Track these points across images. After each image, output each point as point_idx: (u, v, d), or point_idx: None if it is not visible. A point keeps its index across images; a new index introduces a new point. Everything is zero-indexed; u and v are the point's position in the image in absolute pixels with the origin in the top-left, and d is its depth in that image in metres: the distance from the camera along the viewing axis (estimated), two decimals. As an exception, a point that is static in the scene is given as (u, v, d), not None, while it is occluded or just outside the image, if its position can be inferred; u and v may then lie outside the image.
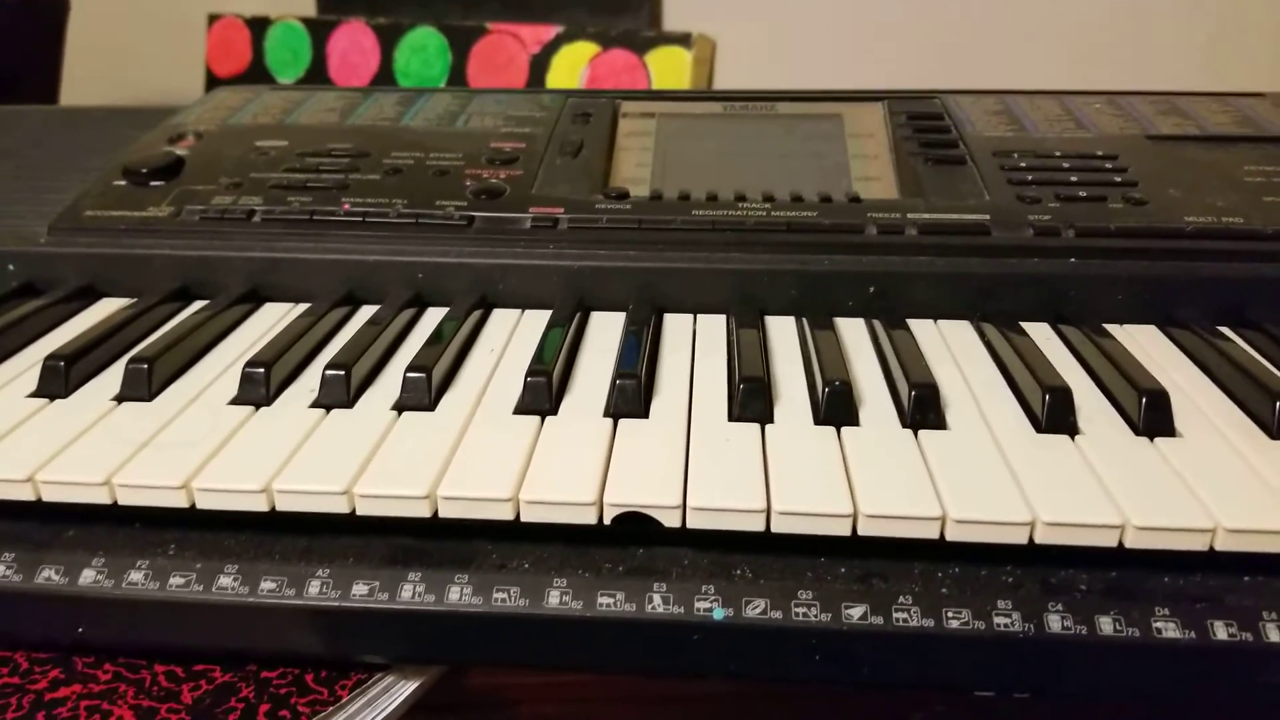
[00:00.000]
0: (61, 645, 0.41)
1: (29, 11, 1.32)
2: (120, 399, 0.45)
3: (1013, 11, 1.21)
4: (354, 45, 1.57)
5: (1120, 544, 0.36)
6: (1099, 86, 0.72)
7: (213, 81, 1.66)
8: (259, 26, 1.61)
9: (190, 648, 0.40)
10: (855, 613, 0.36)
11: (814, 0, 1.36)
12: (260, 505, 0.38)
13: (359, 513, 0.38)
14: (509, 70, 1.46)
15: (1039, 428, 0.42)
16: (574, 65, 1.43)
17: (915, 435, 0.41)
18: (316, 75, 1.59)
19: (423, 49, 1.51)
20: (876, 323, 0.51)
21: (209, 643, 0.39)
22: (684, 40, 1.39)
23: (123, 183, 0.61)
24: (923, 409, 0.42)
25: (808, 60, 1.36)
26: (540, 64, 1.45)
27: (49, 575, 0.38)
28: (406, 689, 0.40)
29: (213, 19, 1.65)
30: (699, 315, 0.54)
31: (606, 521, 0.38)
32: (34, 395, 0.46)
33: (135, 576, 0.38)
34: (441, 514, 0.38)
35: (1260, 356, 0.48)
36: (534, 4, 1.48)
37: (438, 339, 0.48)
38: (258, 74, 1.63)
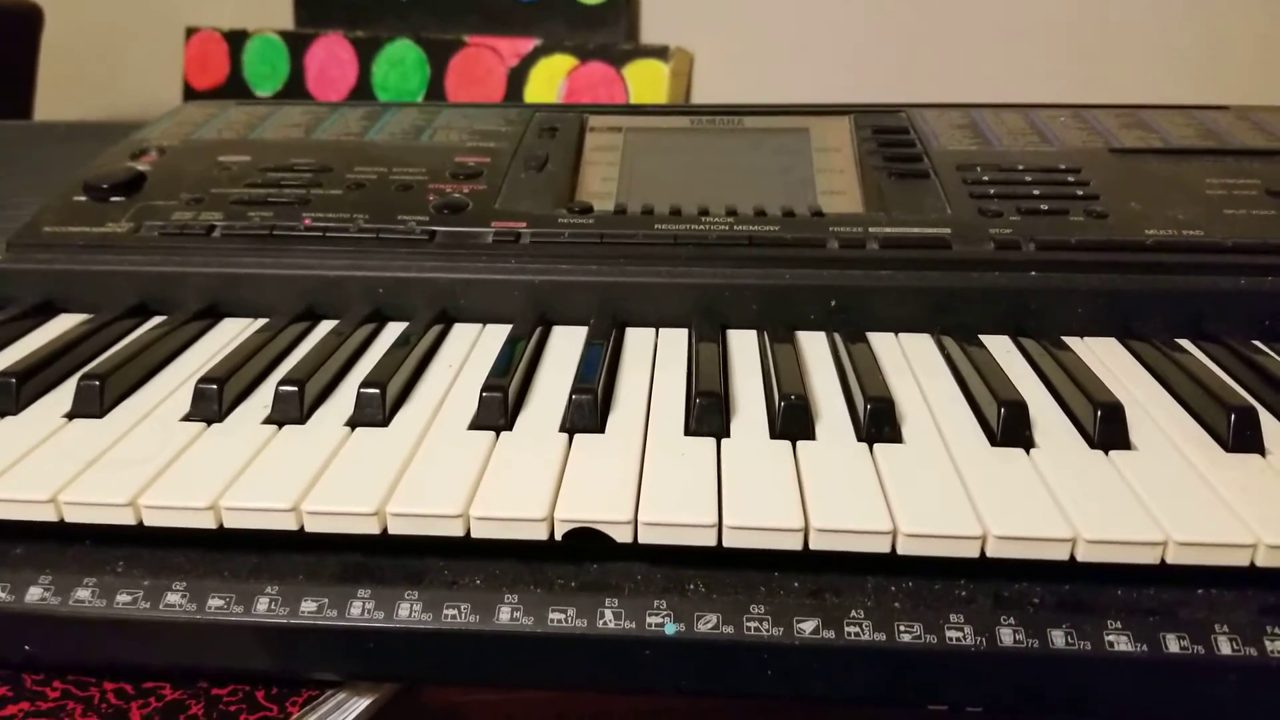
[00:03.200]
0: (9, 663, 0.41)
1: (1, 23, 1.31)
2: (71, 416, 0.45)
3: (986, 29, 1.21)
4: (332, 58, 1.57)
5: (1072, 557, 0.36)
6: (1070, 101, 0.72)
7: (190, 94, 1.65)
8: (237, 40, 1.61)
9: (139, 665, 0.40)
10: (807, 627, 0.36)
11: (791, 14, 1.37)
12: (208, 522, 0.38)
13: (307, 530, 0.38)
14: (487, 83, 1.46)
15: (994, 441, 0.42)
16: (552, 78, 1.43)
17: (870, 449, 0.41)
18: (295, 88, 1.59)
19: (400, 62, 1.51)
20: (837, 336, 0.51)
21: (158, 660, 0.39)
22: (661, 53, 1.39)
23: (83, 198, 0.61)
24: (878, 423, 0.42)
25: (784, 73, 1.36)
26: (518, 77, 1.46)
27: (-5, 593, 0.38)
28: (359, 706, 0.40)
29: (190, 32, 1.65)
30: (661, 329, 0.54)
31: (558, 538, 0.37)
32: (-15, 412, 0.45)
33: (82, 594, 0.38)
34: (391, 530, 0.37)
35: (1218, 369, 0.48)
36: (512, 17, 1.48)
37: (395, 354, 0.48)
38: (236, 87, 1.63)
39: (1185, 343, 0.51)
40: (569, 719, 0.47)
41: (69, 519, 0.39)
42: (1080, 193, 0.58)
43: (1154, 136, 0.66)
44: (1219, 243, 0.53)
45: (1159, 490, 0.38)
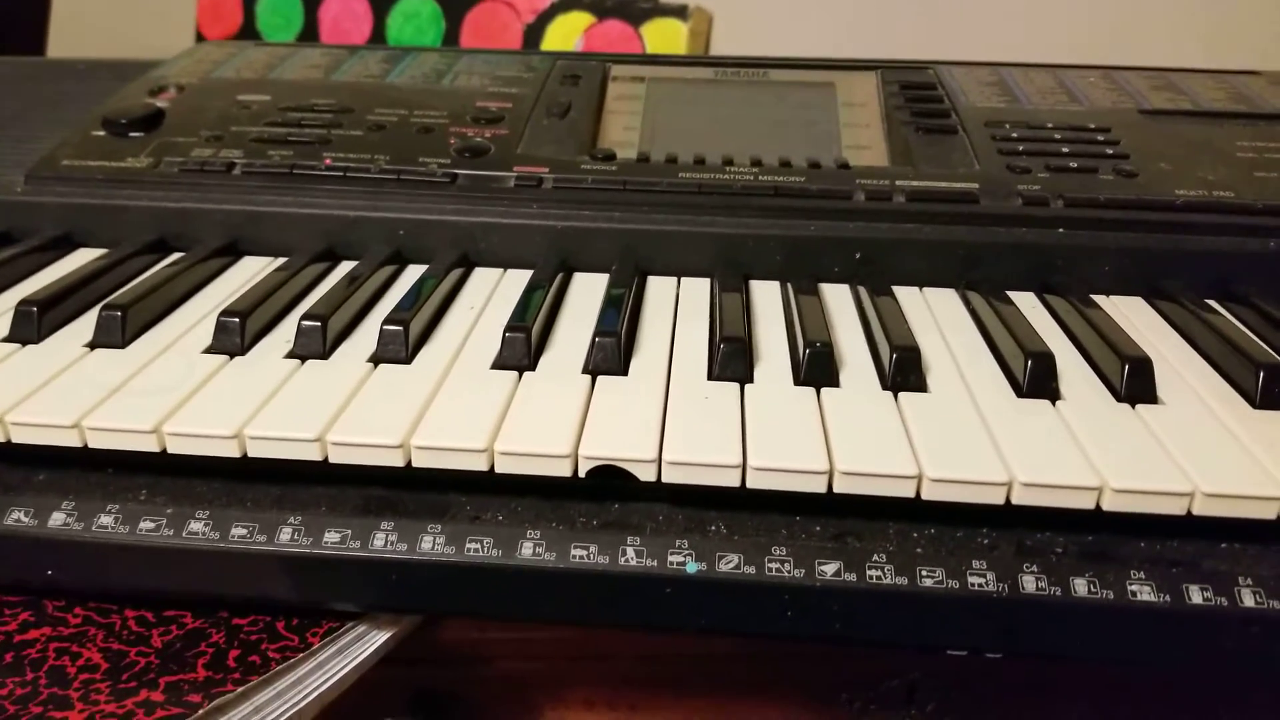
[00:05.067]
0: (31, 587, 0.41)
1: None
2: (93, 346, 0.45)
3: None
4: (346, 11, 1.55)
5: (1097, 506, 0.36)
6: (1097, 63, 0.71)
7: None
8: (250, -10, 1.59)
9: (161, 592, 0.40)
10: (829, 569, 0.36)
11: (812, -25, 1.34)
12: (232, 451, 0.38)
13: (331, 461, 0.38)
14: (503, 38, 1.44)
15: (1020, 392, 0.42)
16: (569, 35, 1.42)
17: (895, 397, 0.41)
18: (308, 40, 1.57)
19: (416, 16, 1.50)
20: (861, 289, 0.51)
21: (179, 588, 0.39)
22: (680, 12, 1.37)
23: (102, 133, 0.60)
24: (903, 371, 0.42)
25: (805, 33, 1.34)
26: (534, 33, 1.44)
27: (18, 517, 0.38)
28: (378, 639, 0.40)
29: (204, -19, 1.62)
30: (683, 278, 0.54)
31: (581, 474, 0.37)
32: (6, 340, 0.45)
33: (105, 520, 0.38)
34: (415, 464, 0.37)
35: (1246, 329, 0.47)
36: (529, -27, 1.46)
37: (417, 294, 0.48)
38: (249, 38, 1.61)
39: (1213, 303, 0.50)
40: (564, 659, 0.47)
41: (93, 444, 0.38)
42: (1110, 152, 0.57)
43: (1184, 99, 0.65)
44: (1249, 204, 0.53)
45: (1186, 443, 0.38)
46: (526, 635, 0.46)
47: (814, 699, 0.49)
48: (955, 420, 0.39)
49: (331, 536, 0.37)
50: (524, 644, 0.46)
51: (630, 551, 0.36)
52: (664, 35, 1.39)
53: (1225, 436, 0.39)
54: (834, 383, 0.42)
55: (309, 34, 1.59)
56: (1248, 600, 0.35)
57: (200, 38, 1.67)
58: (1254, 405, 0.41)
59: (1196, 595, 0.35)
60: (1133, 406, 0.41)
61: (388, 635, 0.40)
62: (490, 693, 0.48)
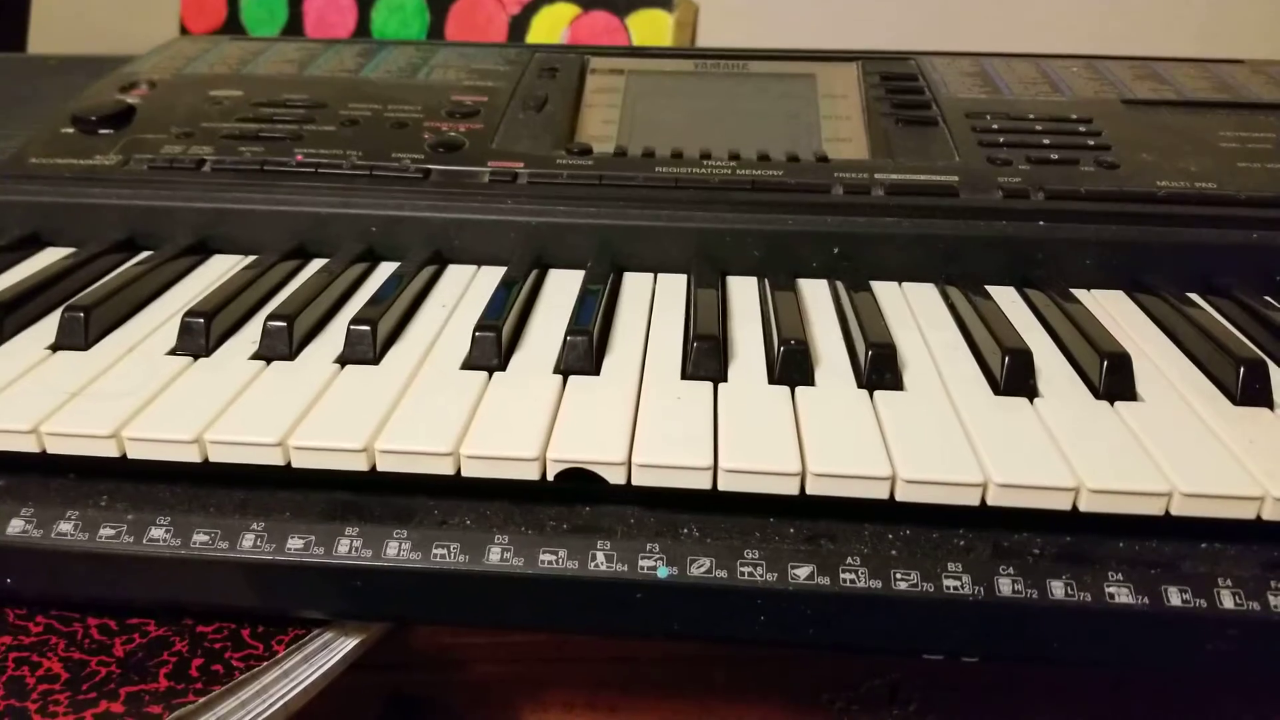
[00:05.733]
0: (-11, 596, 0.40)
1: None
2: (56, 348, 0.44)
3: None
4: (331, 4, 1.54)
5: (1074, 507, 0.35)
6: (1083, 53, 0.70)
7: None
8: (233, -18, 1.57)
9: (123, 601, 0.39)
10: (802, 573, 0.35)
11: (799, -34, 1.33)
12: (193, 456, 0.37)
13: (294, 465, 0.37)
14: (488, 31, 1.43)
15: (997, 390, 0.41)
16: (554, 27, 1.41)
17: (871, 396, 0.40)
18: (293, 34, 1.56)
19: (400, 9, 1.48)
20: (840, 284, 0.50)
21: (142, 596, 0.38)
22: (666, 3, 1.36)
23: (71, 131, 0.59)
24: (879, 369, 0.41)
25: (792, 25, 1.34)
26: (520, 25, 1.43)
27: (-25, 525, 0.37)
28: (346, 645, 0.39)
29: (186, -26, 1.61)
30: (659, 274, 0.53)
31: (550, 478, 0.36)
32: (-34, 343, 0.44)
33: (65, 527, 0.37)
34: (380, 468, 0.37)
35: (1227, 323, 0.47)
36: (514, -36, 1.44)
37: (387, 292, 0.47)
38: (233, 31, 1.59)
39: (1194, 297, 0.50)
40: (538, 662, 0.46)
41: (51, 450, 0.38)
42: (1091, 143, 0.57)
43: (1167, 89, 0.64)
44: (1232, 195, 0.52)
45: (1165, 441, 0.37)
46: (502, 639, 0.45)
47: (795, 699, 0.49)
48: (931, 419, 0.39)
49: (295, 543, 0.36)
50: (500, 647, 0.46)
51: (600, 556, 0.36)
52: (650, 26, 1.38)
53: (1205, 435, 0.38)
54: (809, 381, 0.42)
55: (294, 28, 1.57)
56: (1227, 602, 0.34)
57: (184, 31, 1.65)
58: (1234, 402, 0.41)
59: (1175, 597, 0.34)
60: (1111, 404, 0.40)
61: (356, 642, 0.39)
62: (467, 697, 0.48)
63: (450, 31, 1.48)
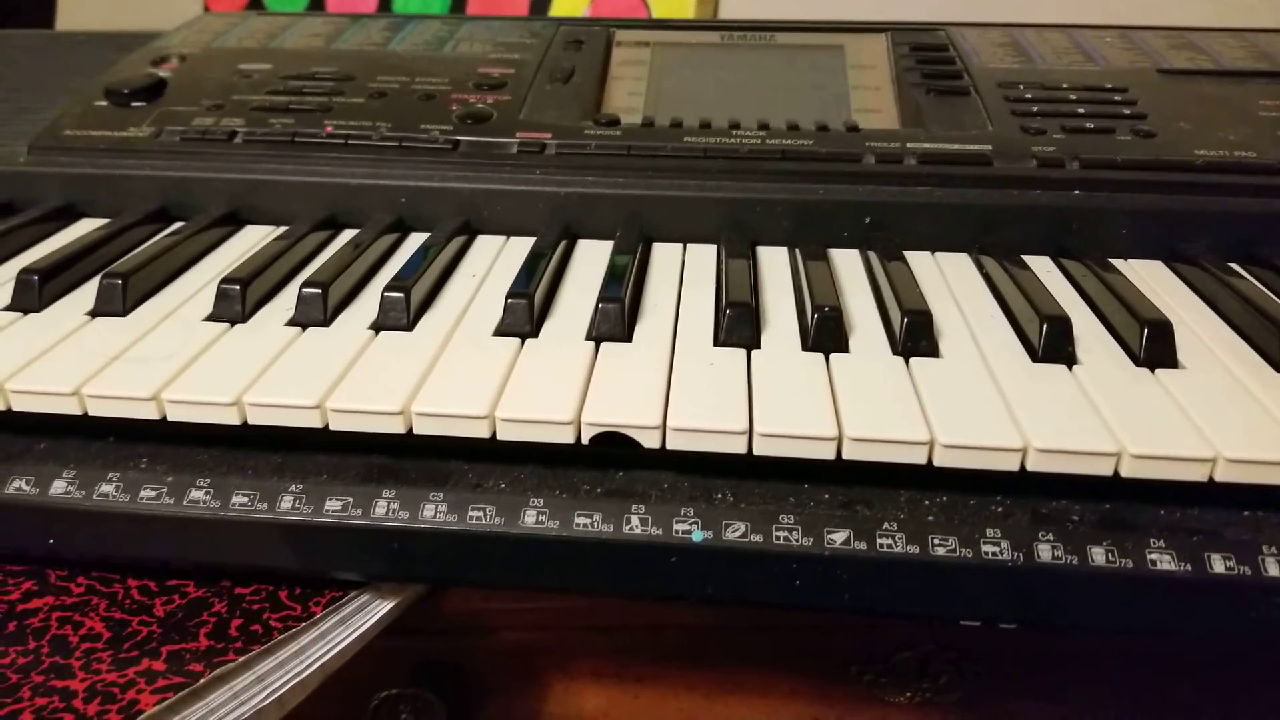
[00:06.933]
0: (33, 556, 0.41)
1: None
2: (94, 314, 0.44)
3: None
4: (353, -17, 1.53)
5: (1115, 473, 0.35)
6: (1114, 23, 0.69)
7: (210, 19, 1.62)
8: (257, -38, 1.57)
9: (163, 562, 0.40)
10: (838, 538, 0.35)
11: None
12: (231, 418, 0.37)
13: (332, 428, 0.37)
14: (510, 5, 1.43)
15: (1035, 357, 0.41)
16: (576, 2, 1.40)
17: (906, 362, 0.40)
18: (316, 10, 1.56)
19: (423, -14, 1.48)
20: (871, 254, 0.50)
21: (181, 557, 0.39)
22: (689, -20, 1.35)
23: (104, 103, 0.60)
24: (914, 336, 0.41)
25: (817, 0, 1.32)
26: (542, 1, 1.42)
27: (19, 486, 0.38)
28: (382, 608, 0.40)
29: (210, -47, 1.61)
30: (689, 245, 0.53)
31: (585, 441, 0.36)
32: (7, 309, 0.45)
33: (106, 489, 0.37)
34: (416, 431, 0.37)
35: (1269, 292, 0.46)
36: (537, -59, 1.44)
37: (418, 261, 0.47)
38: (257, 9, 1.60)
39: (1235, 266, 0.49)
40: (568, 629, 0.46)
41: (92, 412, 0.38)
42: (1127, 112, 0.56)
43: (1204, 58, 0.63)
44: (1272, 164, 0.51)
45: (1208, 408, 0.37)
46: (531, 605, 0.45)
47: (823, 671, 0.48)
48: (968, 385, 0.38)
49: (333, 505, 0.36)
50: (529, 614, 0.46)
51: (635, 520, 0.36)
52: (672, 0, 1.37)
53: (1249, 401, 0.38)
54: (843, 348, 0.41)
55: (317, 3, 1.57)
56: (1272, 569, 0.34)
57: (207, 9, 1.66)
58: (1278, 369, 0.40)
59: (1219, 564, 0.34)
60: (1152, 371, 0.40)
61: (391, 604, 0.40)
62: (495, 664, 0.48)
63: (473, 5, 1.48)
